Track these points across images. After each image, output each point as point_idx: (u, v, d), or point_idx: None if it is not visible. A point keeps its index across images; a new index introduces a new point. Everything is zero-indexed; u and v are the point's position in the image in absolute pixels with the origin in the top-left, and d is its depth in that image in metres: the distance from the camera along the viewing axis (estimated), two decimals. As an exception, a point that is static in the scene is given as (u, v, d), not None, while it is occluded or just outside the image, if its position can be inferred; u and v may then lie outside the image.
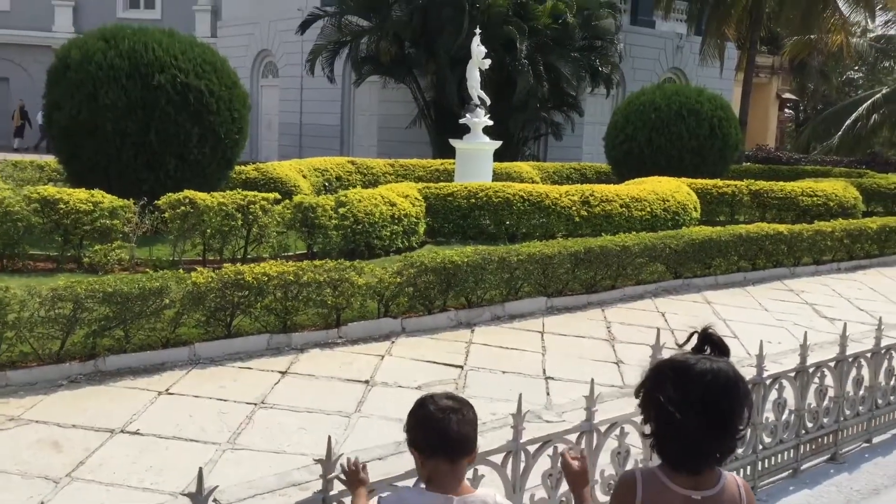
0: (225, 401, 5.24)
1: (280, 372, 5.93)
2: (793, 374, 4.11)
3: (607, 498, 3.20)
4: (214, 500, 2.37)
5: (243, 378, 5.74)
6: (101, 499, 3.92)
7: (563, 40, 21.12)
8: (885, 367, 4.72)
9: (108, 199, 8.40)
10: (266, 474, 4.28)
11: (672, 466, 1.97)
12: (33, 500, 3.86)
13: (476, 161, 14.80)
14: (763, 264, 10.74)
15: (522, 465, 3.06)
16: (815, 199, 14.81)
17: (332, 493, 2.51)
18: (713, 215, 14.40)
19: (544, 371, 6.37)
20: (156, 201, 8.89)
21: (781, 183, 15.71)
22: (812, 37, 29.67)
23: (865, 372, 4.58)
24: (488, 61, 15.00)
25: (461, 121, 15.06)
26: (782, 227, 11.02)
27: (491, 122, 15.02)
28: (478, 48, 14.70)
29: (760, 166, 25.21)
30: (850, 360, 4.43)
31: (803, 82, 44.49)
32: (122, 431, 4.67)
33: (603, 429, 3.22)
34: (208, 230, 8.79)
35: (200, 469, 2.37)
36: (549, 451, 3.11)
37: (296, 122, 28.18)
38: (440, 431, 2.19)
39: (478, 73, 14.76)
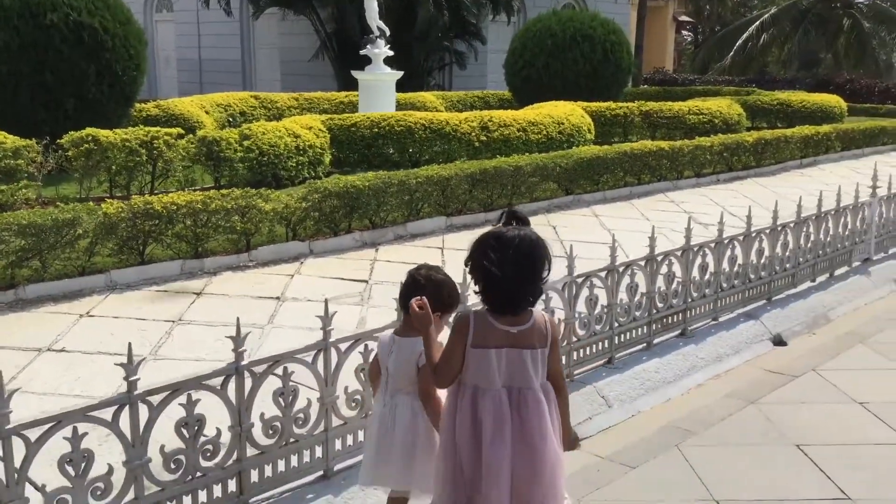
0: (144, 320, 5.64)
1: (195, 293, 6.34)
2: (643, 262, 4.79)
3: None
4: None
5: (160, 300, 6.13)
6: (35, 405, 4.31)
7: (461, -32, 21.31)
8: (728, 255, 5.46)
9: (10, 140, 8.46)
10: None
11: (497, 311, 2.55)
12: (-29, 411, 4.23)
13: (379, 92, 15.08)
14: (648, 179, 11.55)
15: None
16: (701, 117, 15.70)
17: (242, 363, 3.01)
18: (608, 136, 15.14)
19: (442, 281, 6.94)
20: (58, 140, 8.98)
21: (670, 103, 16.57)
22: (703, -41, 30.56)
23: (710, 259, 5.31)
24: (386, -9, 15.15)
25: (362, 52, 15.25)
26: (664, 144, 11.82)
27: (391, 53, 15.27)
28: (374, -22, 14.84)
29: (656, 88, 26.19)
30: (696, 249, 5.14)
31: (700, 4, 45.62)
32: (48, 350, 5.04)
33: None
34: (113, 167, 8.96)
35: (129, 343, 2.83)
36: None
37: (195, 57, 27.60)
38: (401, 287, 2.94)
39: (375, 4, 14.93)
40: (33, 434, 2.54)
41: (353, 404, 3.40)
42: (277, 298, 6.33)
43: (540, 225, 9.18)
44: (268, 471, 3.14)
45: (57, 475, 2.63)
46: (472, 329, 2.54)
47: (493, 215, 9.70)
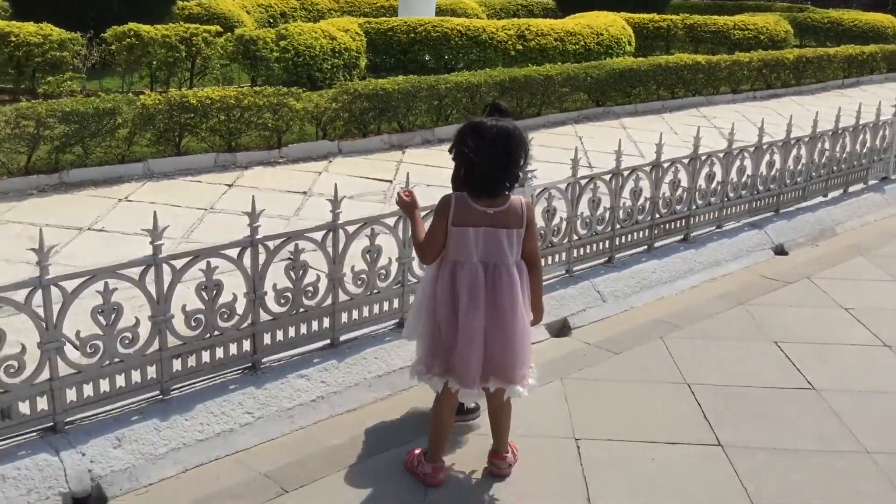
0: (179, 206, 6.02)
1: (227, 185, 6.69)
2: (648, 168, 4.97)
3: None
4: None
5: (194, 189, 6.50)
6: (78, 277, 4.73)
7: None
8: (738, 165, 5.60)
9: (56, 32, 8.77)
10: (215, 260, 5.11)
11: (476, 194, 2.81)
12: (20, 277, 4.65)
13: (419, -4, 15.02)
14: (682, 93, 11.51)
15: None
16: (746, 32, 15.41)
17: (257, 237, 3.34)
18: (649, 50, 14.96)
19: (464, 183, 7.21)
20: (102, 34, 9.27)
21: (715, 17, 16.23)
22: None
23: (717, 168, 5.47)
24: None
25: (404, -45, 15.13)
26: (701, 58, 11.72)
27: (434, -44, 15.12)
28: None
29: (708, 2, 25.44)
30: (703, 158, 5.29)
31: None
32: (89, 229, 5.45)
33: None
34: (154, 62, 9.25)
35: (155, 212, 3.17)
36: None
37: (240, -43, 27.38)
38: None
39: None
40: (70, 286, 2.90)
41: (359, 283, 3.72)
42: (305, 193, 6.66)
43: (566, 135, 9.35)
44: (279, 335, 3.50)
45: (91, 327, 3.01)
46: (452, 209, 2.82)
47: (521, 123, 9.83)
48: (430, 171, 7.58)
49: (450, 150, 2.86)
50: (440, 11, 15.27)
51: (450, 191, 2.98)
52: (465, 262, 2.83)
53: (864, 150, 6.84)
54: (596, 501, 2.94)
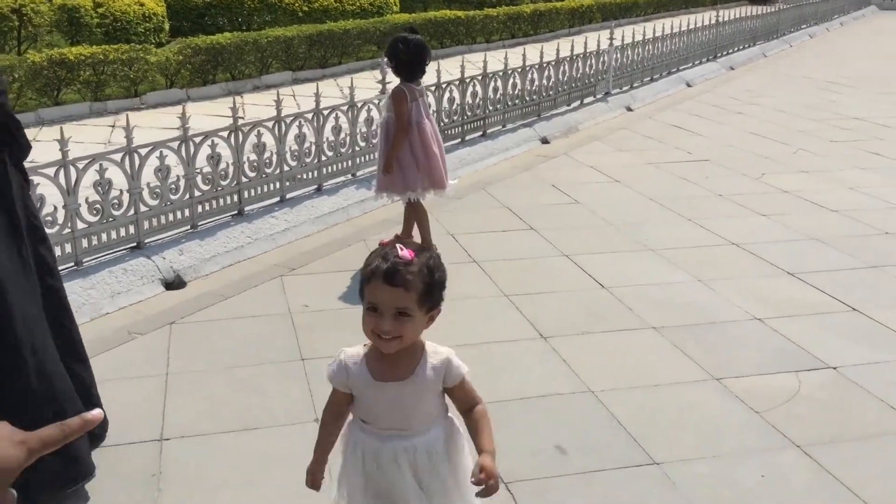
0: (83, 143, 7.30)
1: (110, 126, 8.01)
2: (457, 83, 7.16)
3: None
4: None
5: (87, 130, 7.77)
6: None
7: None
8: (511, 83, 7.97)
9: None
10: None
11: (407, 80, 4.75)
12: None
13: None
14: (449, 43, 13.89)
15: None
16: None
17: (189, 134, 5.07)
18: (410, 9, 17.21)
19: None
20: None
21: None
22: None
23: (500, 84, 7.79)
24: None
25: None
26: (460, 13, 14.17)
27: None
28: None
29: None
30: (490, 76, 7.59)
31: None
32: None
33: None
34: (-15, 31, 10.00)
35: (127, 115, 4.80)
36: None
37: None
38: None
39: None
40: (81, 164, 4.47)
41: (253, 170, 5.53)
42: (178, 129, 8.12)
43: (366, 78, 11.37)
44: (255, 191, 5.25)
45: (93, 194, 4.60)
46: (408, 97, 4.71)
47: (330, 71, 11.71)
48: (267, 110, 9.28)
49: (385, 55, 4.76)
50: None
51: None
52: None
53: (592, 72, 9.53)
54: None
